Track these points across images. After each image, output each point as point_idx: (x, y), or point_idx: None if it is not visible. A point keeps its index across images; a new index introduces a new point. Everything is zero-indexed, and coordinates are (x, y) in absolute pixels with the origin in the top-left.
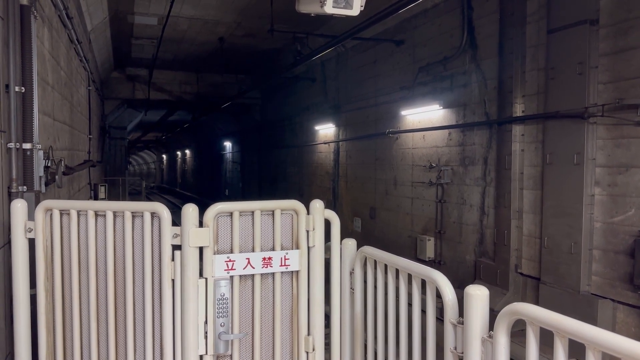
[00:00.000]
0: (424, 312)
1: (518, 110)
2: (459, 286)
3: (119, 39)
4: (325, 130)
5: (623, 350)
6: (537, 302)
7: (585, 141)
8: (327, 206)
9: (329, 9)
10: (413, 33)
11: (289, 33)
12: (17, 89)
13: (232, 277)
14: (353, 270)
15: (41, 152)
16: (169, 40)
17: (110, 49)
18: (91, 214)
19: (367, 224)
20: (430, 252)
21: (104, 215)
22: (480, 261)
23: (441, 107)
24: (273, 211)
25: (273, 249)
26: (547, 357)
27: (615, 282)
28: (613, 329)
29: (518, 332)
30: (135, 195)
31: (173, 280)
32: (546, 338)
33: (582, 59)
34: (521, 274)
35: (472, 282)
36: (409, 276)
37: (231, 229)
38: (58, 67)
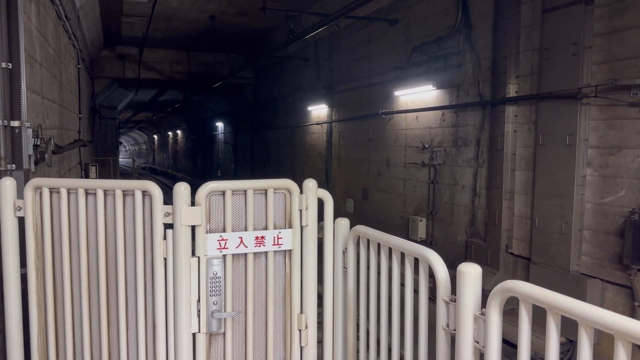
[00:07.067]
0: (416, 291)
1: (512, 90)
2: (450, 266)
3: (108, 16)
4: (318, 111)
5: (615, 327)
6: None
7: (577, 122)
8: (319, 187)
9: None
10: (407, 12)
11: (281, 11)
12: (4, 64)
13: (224, 256)
14: (346, 249)
15: (30, 131)
16: (159, 18)
17: (99, 27)
18: (81, 192)
19: (359, 205)
20: (422, 233)
21: (95, 194)
22: (471, 241)
23: (435, 88)
24: (266, 190)
25: (266, 228)
26: (538, 336)
27: (604, 262)
28: (601, 307)
29: (509, 311)
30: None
31: (165, 259)
32: (537, 318)
33: (576, 39)
34: (512, 254)
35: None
36: (402, 255)
37: (224, 208)
38: (46, 44)
